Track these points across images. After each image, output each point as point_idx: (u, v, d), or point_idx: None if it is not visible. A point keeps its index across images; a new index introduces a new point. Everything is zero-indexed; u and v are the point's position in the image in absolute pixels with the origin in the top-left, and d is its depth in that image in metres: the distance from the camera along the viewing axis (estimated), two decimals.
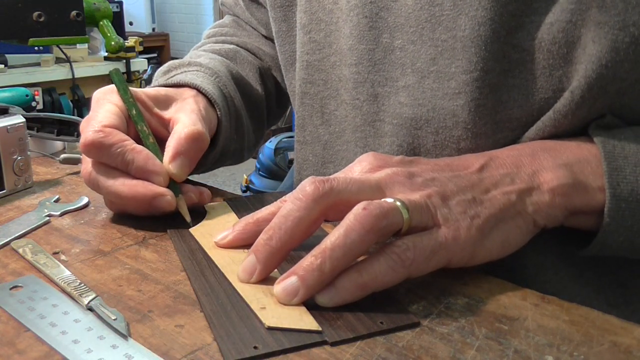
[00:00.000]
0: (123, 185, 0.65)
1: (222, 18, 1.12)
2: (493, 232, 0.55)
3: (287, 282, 0.50)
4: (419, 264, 0.51)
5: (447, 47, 0.64)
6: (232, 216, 0.69)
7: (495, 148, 0.63)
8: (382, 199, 0.53)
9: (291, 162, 3.77)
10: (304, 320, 0.48)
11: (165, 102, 0.73)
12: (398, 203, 0.52)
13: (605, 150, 0.58)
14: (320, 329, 0.47)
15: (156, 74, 0.87)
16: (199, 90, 0.76)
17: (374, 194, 0.54)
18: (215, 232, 0.63)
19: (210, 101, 0.76)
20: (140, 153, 0.65)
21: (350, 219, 0.50)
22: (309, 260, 0.50)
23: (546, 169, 0.58)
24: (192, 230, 0.65)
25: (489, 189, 0.57)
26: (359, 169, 0.59)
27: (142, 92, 0.73)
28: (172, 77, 0.81)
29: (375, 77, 0.71)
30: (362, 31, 0.71)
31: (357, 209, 0.51)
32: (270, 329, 0.47)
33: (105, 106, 0.68)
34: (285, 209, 0.53)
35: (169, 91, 0.75)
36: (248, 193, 3.78)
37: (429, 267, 0.52)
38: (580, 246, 0.61)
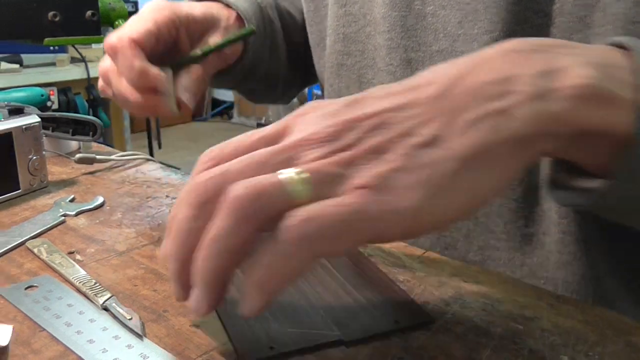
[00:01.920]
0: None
1: None
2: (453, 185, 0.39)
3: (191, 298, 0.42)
4: (321, 239, 0.38)
5: (471, 9, 0.66)
6: None
7: None
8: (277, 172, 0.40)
9: None
10: None
11: (201, 30, 0.75)
12: (293, 175, 0.39)
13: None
14: None
15: None
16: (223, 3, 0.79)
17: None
18: None
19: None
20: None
21: (217, 209, 0.40)
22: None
23: (566, 66, 0.42)
24: None
25: (454, 120, 0.40)
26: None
27: (188, 17, 0.73)
28: None
29: (407, 42, 0.72)
30: None
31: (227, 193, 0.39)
32: None
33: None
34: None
35: (206, 16, 0.76)
36: None
37: (341, 243, 0.39)
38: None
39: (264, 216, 0.38)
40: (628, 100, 0.42)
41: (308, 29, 0.90)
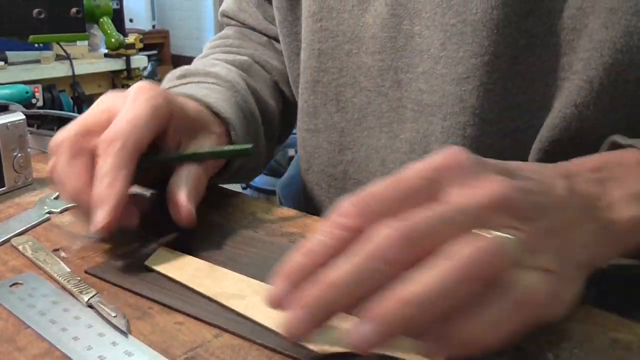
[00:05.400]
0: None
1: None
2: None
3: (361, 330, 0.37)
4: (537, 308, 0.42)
5: (456, 31, 0.65)
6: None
7: (500, 135, 0.64)
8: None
9: (291, 159, 3.77)
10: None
11: (190, 128, 0.66)
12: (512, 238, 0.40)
13: None
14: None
15: (169, 75, 0.82)
16: (213, 110, 0.70)
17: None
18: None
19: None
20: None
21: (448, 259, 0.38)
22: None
23: (619, 200, 0.49)
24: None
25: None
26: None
27: (182, 110, 0.65)
28: (186, 84, 0.77)
29: (398, 64, 0.72)
30: (385, 19, 0.71)
31: (461, 246, 0.38)
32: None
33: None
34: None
35: (195, 119, 0.67)
36: (248, 190, 3.78)
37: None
38: None
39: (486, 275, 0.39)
40: None
41: (284, 39, 0.87)
